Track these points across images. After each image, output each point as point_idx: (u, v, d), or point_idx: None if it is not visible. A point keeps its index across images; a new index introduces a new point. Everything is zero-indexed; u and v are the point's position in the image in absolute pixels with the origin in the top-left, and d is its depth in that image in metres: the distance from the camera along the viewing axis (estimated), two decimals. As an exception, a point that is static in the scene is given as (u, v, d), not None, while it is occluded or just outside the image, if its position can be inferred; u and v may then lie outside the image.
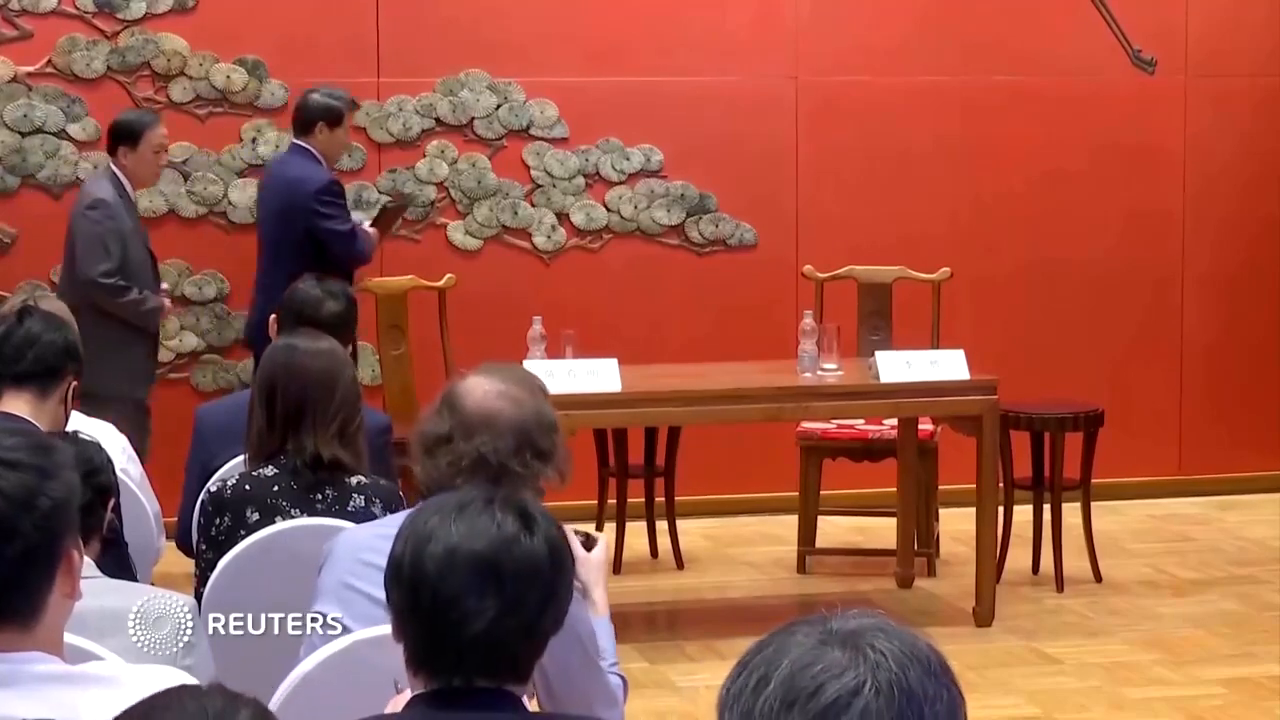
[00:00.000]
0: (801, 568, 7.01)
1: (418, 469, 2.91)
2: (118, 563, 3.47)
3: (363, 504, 3.71)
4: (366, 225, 6.93)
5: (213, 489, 3.78)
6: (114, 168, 6.56)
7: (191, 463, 4.49)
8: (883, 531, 7.18)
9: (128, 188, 6.56)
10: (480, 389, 2.90)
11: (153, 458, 4.76)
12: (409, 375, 6.92)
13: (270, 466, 3.73)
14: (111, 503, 3.22)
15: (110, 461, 3.22)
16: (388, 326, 6.91)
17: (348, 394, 3.77)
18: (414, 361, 6.95)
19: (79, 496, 2.04)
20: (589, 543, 3.11)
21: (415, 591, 2.09)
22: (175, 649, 2.77)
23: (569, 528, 2.96)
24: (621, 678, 3.12)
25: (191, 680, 2.13)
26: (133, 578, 3.57)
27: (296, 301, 4.74)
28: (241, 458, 4.03)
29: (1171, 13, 8.24)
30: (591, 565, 3.07)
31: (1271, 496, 8.21)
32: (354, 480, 3.73)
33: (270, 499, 3.68)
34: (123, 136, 6.56)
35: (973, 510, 6.27)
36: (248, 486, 3.71)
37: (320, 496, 3.70)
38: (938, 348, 6.82)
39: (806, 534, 7.03)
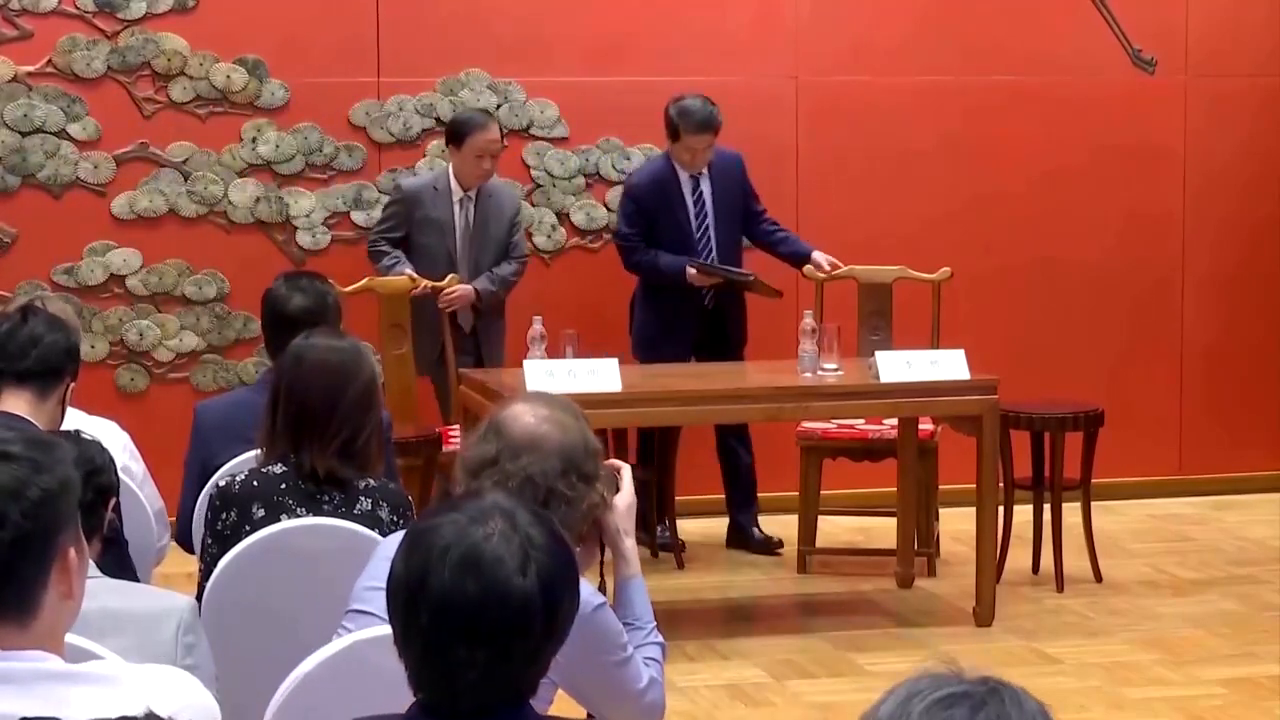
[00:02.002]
0: (802, 567, 7.01)
1: (460, 491, 2.90)
2: (118, 562, 3.46)
3: (369, 507, 3.69)
4: (691, 268, 6.93)
5: (221, 483, 3.78)
6: (449, 159, 7.04)
7: (191, 460, 4.49)
8: (883, 531, 7.18)
9: (452, 181, 6.97)
10: (527, 414, 2.91)
11: (154, 456, 4.75)
12: (410, 375, 6.92)
13: (280, 464, 3.72)
14: (112, 502, 3.22)
15: (112, 461, 3.22)
16: (389, 325, 6.91)
17: (354, 407, 3.71)
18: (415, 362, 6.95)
19: (77, 495, 2.04)
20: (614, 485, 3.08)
21: (407, 630, 2.08)
22: (175, 649, 2.76)
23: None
24: (659, 644, 3.12)
25: (192, 680, 2.13)
26: (133, 577, 3.56)
27: (269, 298, 4.71)
28: (247, 454, 4.03)
29: (1171, 13, 8.24)
30: (619, 514, 3.07)
31: (1271, 496, 8.21)
32: (362, 483, 3.72)
33: (277, 496, 3.68)
34: (449, 137, 7.02)
35: (973, 510, 6.27)
36: (255, 483, 3.71)
37: (327, 498, 3.69)
38: (938, 348, 6.82)
39: (807, 533, 7.03)
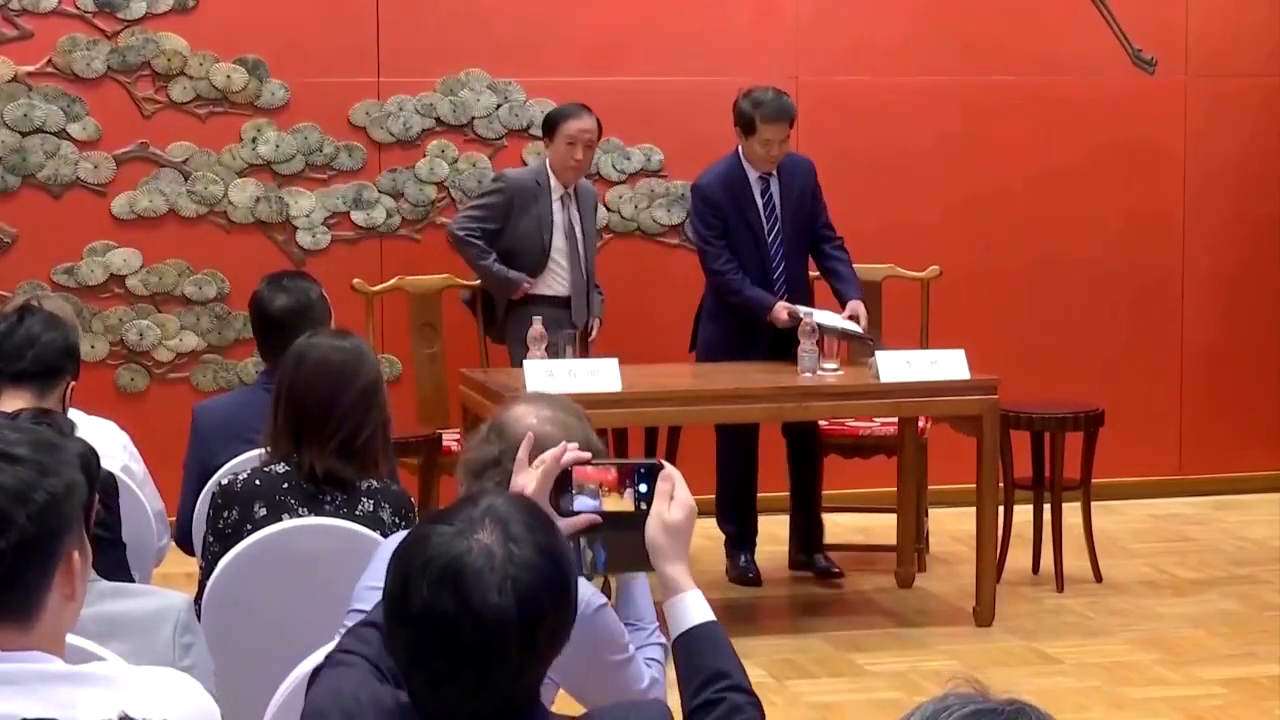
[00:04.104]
0: (793, 564, 7.02)
1: (462, 492, 2.89)
2: (116, 564, 3.46)
3: (371, 509, 3.68)
4: (782, 312, 6.49)
5: (224, 481, 3.78)
6: (547, 154, 6.90)
7: (190, 461, 4.48)
8: (875, 528, 7.18)
9: (551, 178, 6.83)
10: (529, 415, 2.89)
11: (154, 456, 4.75)
12: (442, 374, 6.91)
13: (283, 464, 3.72)
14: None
15: (95, 453, 3.20)
16: (420, 325, 6.92)
17: (353, 407, 3.70)
18: (448, 360, 6.95)
19: (82, 497, 2.03)
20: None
21: (393, 642, 2.09)
22: (173, 651, 2.76)
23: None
24: (662, 645, 3.12)
25: (192, 682, 2.12)
26: (130, 579, 3.56)
27: (254, 300, 4.70)
28: (249, 454, 4.03)
29: (1171, 13, 8.24)
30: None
31: (1271, 496, 8.21)
32: (365, 484, 3.71)
33: (279, 496, 3.68)
34: (544, 130, 6.92)
35: (971, 510, 6.27)
36: (258, 482, 3.71)
37: (329, 498, 3.69)
38: (926, 346, 6.83)
39: (799, 533, 7.04)
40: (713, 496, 7.46)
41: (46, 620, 1.99)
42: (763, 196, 6.75)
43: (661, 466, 2.58)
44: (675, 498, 2.54)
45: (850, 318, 6.54)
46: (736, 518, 6.95)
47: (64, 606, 2.02)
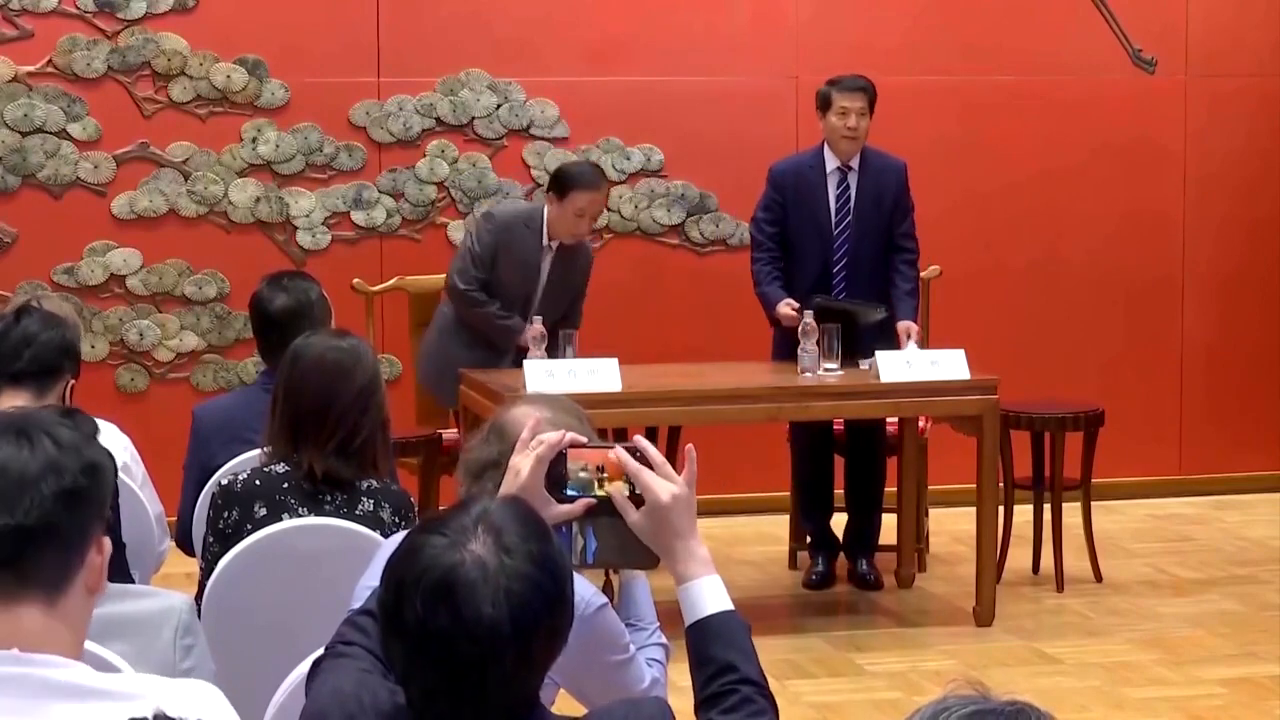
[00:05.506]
0: (793, 564, 7.02)
1: (462, 492, 2.88)
2: (116, 565, 3.45)
3: (371, 508, 3.68)
4: (787, 308, 6.38)
5: (224, 481, 3.78)
6: (546, 204, 6.47)
7: (190, 463, 4.48)
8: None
9: (544, 226, 6.45)
10: (530, 416, 2.88)
11: (154, 457, 4.74)
12: None
13: (282, 464, 3.72)
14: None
15: (111, 457, 3.20)
16: (420, 325, 6.93)
17: (350, 407, 3.69)
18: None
19: (111, 487, 2.05)
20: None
21: (388, 652, 2.09)
22: (174, 652, 2.75)
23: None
24: (663, 645, 3.11)
25: (212, 689, 2.11)
26: (130, 581, 3.56)
27: (254, 300, 4.70)
28: (248, 454, 4.03)
29: (1171, 13, 8.24)
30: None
31: (1271, 496, 8.21)
32: (365, 484, 3.71)
33: (279, 495, 3.68)
34: (553, 185, 6.46)
35: (971, 510, 6.27)
36: (258, 482, 3.71)
37: (329, 498, 3.69)
38: (927, 345, 6.82)
39: (798, 530, 7.04)
40: (712, 496, 7.48)
41: (70, 608, 1.97)
42: (837, 188, 6.60)
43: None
44: (653, 484, 2.41)
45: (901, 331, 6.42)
46: (813, 517, 6.89)
47: (88, 599, 2.01)
